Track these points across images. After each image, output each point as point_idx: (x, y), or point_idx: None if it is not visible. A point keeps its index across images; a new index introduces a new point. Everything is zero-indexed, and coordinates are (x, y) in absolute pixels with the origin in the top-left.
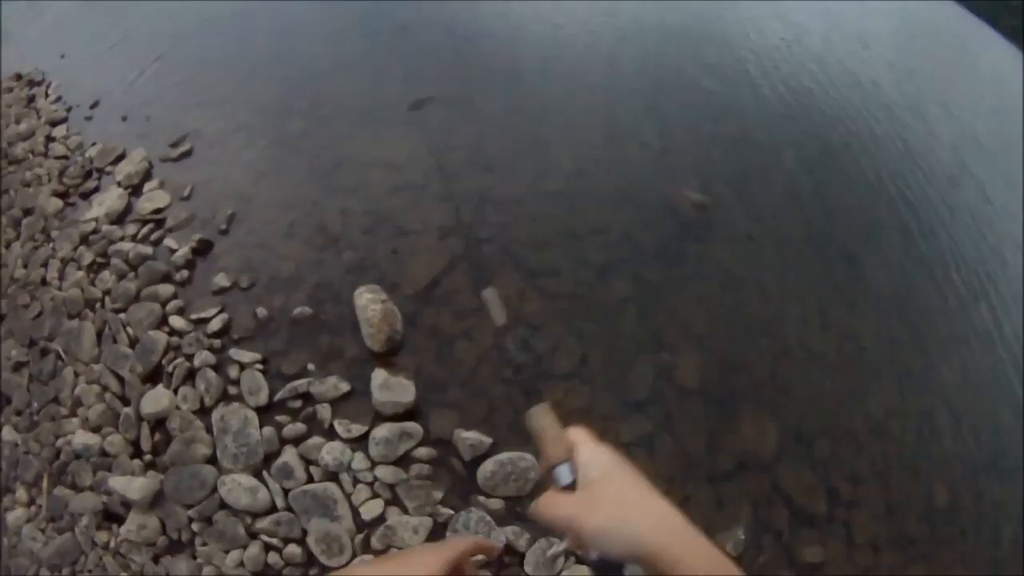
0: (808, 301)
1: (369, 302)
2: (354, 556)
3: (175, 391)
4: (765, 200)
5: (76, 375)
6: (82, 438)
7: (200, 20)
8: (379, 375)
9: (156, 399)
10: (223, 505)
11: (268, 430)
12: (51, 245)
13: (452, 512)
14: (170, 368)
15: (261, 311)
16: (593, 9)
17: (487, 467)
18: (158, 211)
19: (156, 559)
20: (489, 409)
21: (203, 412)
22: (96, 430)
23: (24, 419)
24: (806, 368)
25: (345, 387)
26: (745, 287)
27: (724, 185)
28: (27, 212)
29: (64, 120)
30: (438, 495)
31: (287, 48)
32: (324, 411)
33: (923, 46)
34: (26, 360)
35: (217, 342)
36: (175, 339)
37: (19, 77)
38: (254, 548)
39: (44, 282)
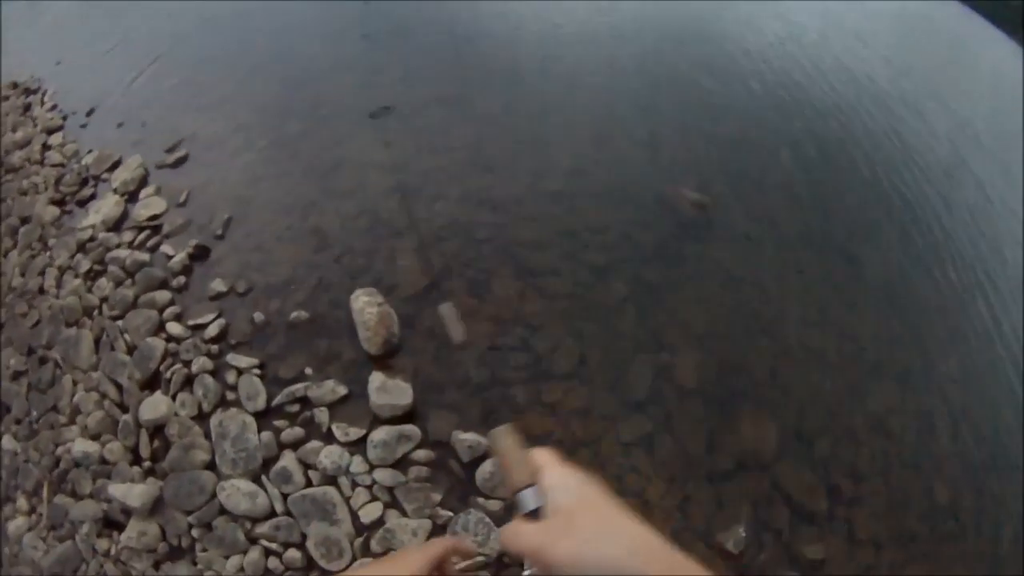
0: (807, 300)
1: (366, 305)
2: (354, 559)
3: (173, 397)
4: (763, 199)
5: (75, 383)
6: (81, 446)
7: (195, 23)
8: (376, 378)
9: (154, 406)
10: (223, 511)
11: (266, 435)
12: (48, 253)
13: (451, 514)
14: (168, 374)
15: (258, 316)
16: (591, 9)
17: (486, 468)
18: (154, 217)
19: (157, 566)
20: (487, 411)
21: (201, 418)
22: (95, 438)
23: (24, 428)
24: (805, 367)
25: (343, 390)
26: (744, 286)
27: (722, 184)
28: (24, 221)
29: (60, 128)
30: (437, 497)
31: (283, 50)
32: (322, 415)
33: (919, 41)
34: (25, 369)
35: (214, 347)
36: (173, 345)
37: (15, 86)
38: (254, 553)
39: (42, 290)
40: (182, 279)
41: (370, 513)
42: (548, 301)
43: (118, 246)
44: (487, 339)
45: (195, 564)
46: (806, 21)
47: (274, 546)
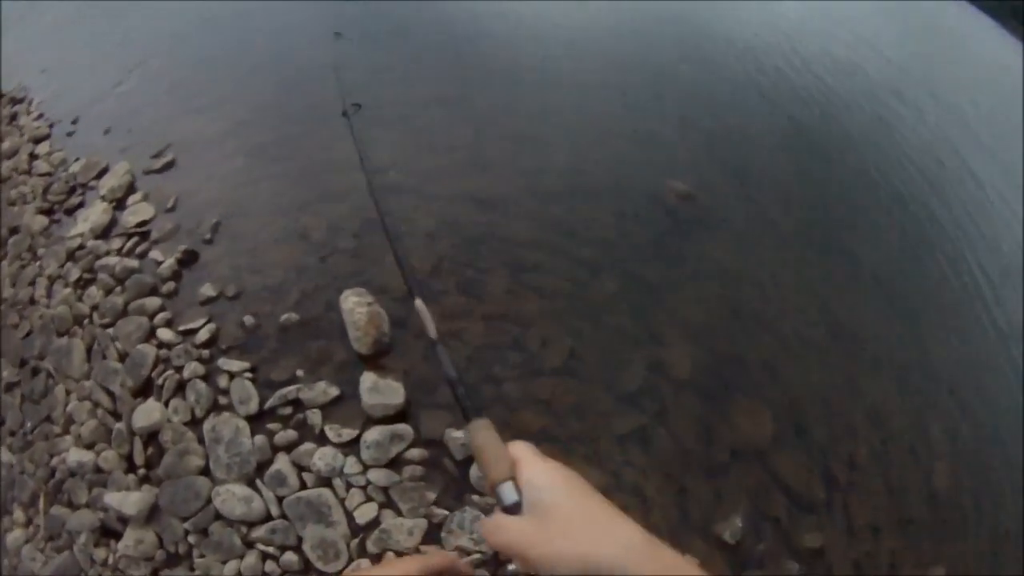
0: (801, 291)
1: (355, 305)
2: (350, 561)
3: (166, 404)
4: (756, 192)
5: (68, 392)
6: (76, 455)
7: (180, 29)
8: (368, 378)
9: (147, 413)
10: (218, 516)
11: (260, 438)
12: (38, 263)
13: (446, 512)
14: (160, 381)
15: (248, 319)
16: (582, 7)
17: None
18: (143, 224)
19: (155, 573)
20: (479, 408)
21: (194, 423)
22: (90, 447)
23: (18, 439)
24: (800, 356)
25: (335, 392)
26: (737, 279)
27: (715, 178)
28: (13, 231)
29: (47, 137)
30: (431, 496)
31: (269, 52)
32: (314, 417)
33: (909, 31)
34: (18, 380)
35: (206, 352)
36: (164, 352)
37: (1, 95)
38: (251, 557)
39: (32, 301)
40: (172, 285)
41: (365, 514)
42: (540, 298)
43: (107, 253)
44: (478, 337)
45: (193, 570)
46: (797, 15)
47: (271, 550)
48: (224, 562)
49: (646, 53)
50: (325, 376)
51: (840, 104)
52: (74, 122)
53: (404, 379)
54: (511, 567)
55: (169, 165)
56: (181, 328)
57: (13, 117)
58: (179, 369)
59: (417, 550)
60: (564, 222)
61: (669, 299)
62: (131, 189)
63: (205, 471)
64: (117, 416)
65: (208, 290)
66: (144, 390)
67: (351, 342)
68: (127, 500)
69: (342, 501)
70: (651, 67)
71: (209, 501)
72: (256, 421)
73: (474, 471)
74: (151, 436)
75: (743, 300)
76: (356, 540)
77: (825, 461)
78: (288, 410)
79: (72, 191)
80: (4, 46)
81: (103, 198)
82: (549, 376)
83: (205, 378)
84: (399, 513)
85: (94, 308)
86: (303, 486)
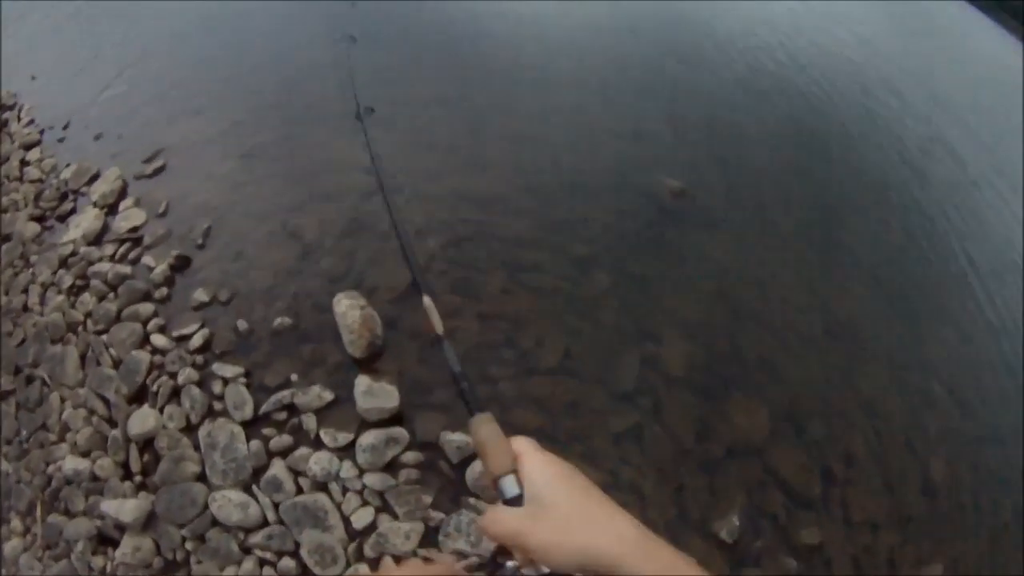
0: (797, 286)
1: (348, 308)
2: (348, 566)
3: (161, 410)
4: (747, 185)
5: (62, 400)
6: (72, 463)
7: (169, 32)
8: (362, 382)
9: (143, 419)
10: (215, 522)
11: (255, 444)
12: (31, 270)
13: (443, 515)
14: (155, 387)
15: (242, 324)
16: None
17: (476, 468)
18: (134, 229)
19: None
20: (474, 409)
21: (190, 429)
22: (85, 454)
23: (14, 448)
24: (794, 350)
25: (329, 396)
26: (729, 273)
27: (705, 172)
28: (5, 238)
29: (38, 143)
30: (428, 499)
31: (259, 55)
32: (309, 421)
33: (906, 29)
34: (12, 388)
35: (200, 358)
36: (158, 358)
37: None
38: (248, 564)
39: (26, 308)
40: (164, 290)
41: (362, 518)
42: (533, 296)
43: (100, 260)
44: (473, 336)
45: None
46: (795, 15)
47: (268, 555)
48: (222, 568)
49: (641, 51)
50: (319, 380)
51: (837, 102)
52: (65, 128)
53: (398, 382)
54: (510, 564)
55: (160, 170)
56: (175, 334)
57: (4, 124)
58: (173, 375)
59: (414, 554)
60: (559, 220)
61: (665, 297)
62: (123, 195)
63: (201, 477)
64: (112, 423)
65: (201, 295)
66: (139, 397)
67: (345, 345)
68: (124, 507)
69: (338, 506)
70: (646, 65)
71: (206, 507)
72: (251, 426)
73: (470, 473)
74: (147, 443)
75: (739, 297)
76: (353, 544)
77: (822, 457)
78: (283, 415)
79: (64, 197)
80: None
81: (95, 204)
82: (544, 375)
83: (199, 384)
84: (396, 517)
85: (87, 315)
86: (299, 491)
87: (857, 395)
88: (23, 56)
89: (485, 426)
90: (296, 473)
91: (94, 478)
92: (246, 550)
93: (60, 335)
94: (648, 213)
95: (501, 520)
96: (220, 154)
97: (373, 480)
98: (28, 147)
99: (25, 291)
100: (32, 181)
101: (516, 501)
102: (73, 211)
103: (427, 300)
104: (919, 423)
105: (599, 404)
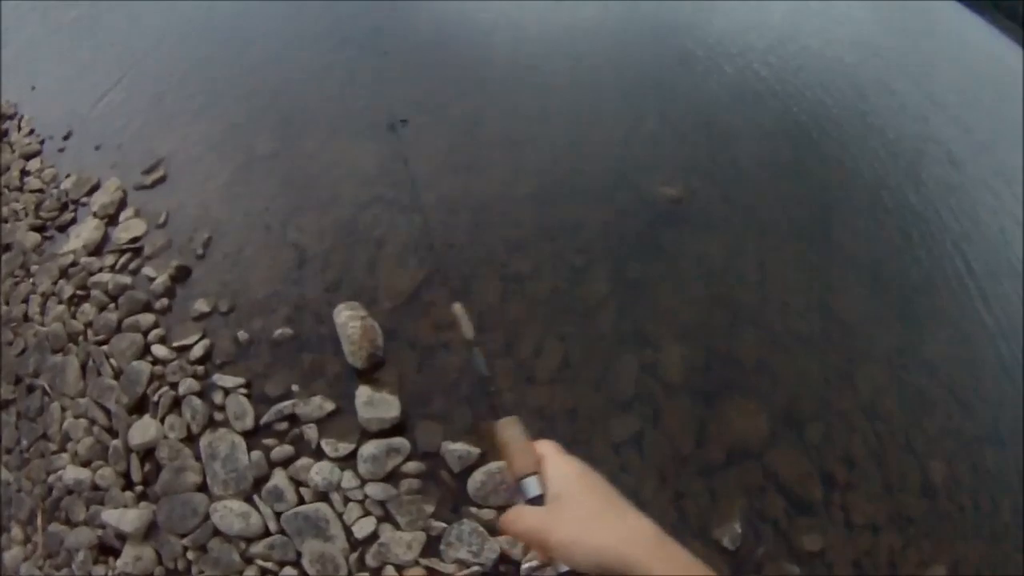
0: (790, 286)
1: (349, 319)
2: (350, 575)
3: (162, 420)
4: (741, 188)
5: (63, 410)
6: (73, 473)
7: (168, 41)
8: (363, 392)
9: (144, 429)
10: (216, 532)
11: (256, 454)
12: (31, 280)
13: (444, 525)
14: (155, 398)
15: (242, 335)
16: (561, 8)
17: (477, 477)
18: (135, 240)
19: None
20: (475, 419)
21: (191, 440)
22: (86, 464)
23: (15, 457)
24: (792, 353)
25: (330, 406)
26: (725, 277)
27: (699, 176)
28: (6, 248)
29: (38, 153)
30: (429, 509)
31: (255, 62)
32: (311, 431)
33: (900, 30)
34: (13, 397)
35: (200, 368)
36: (159, 368)
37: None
38: (250, 573)
39: (27, 318)
40: (165, 301)
41: (363, 528)
42: (530, 303)
43: (100, 270)
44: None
45: None
46: (790, 16)
47: (269, 565)
48: None
49: (633, 54)
50: (320, 390)
51: (832, 103)
52: (65, 138)
53: (399, 392)
54: (525, 565)
55: (160, 180)
56: (175, 344)
57: (4, 134)
58: (174, 385)
59: (416, 563)
60: (555, 227)
61: (662, 301)
62: (123, 205)
63: (202, 487)
64: (113, 433)
65: (201, 306)
66: (140, 407)
67: (345, 356)
68: (125, 517)
69: (340, 515)
70: (641, 69)
71: (207, 517)
72: (252, 437)
73: (471, 483)
74: (148, 453)
75: (736, 300)
76: (355, 554)
77: (822, 460)
78: (284, 425)
79: (64, 207)
80: None
81: (95, 214)
82: (543, 383)
83: (200, 394)
84: (397, 527)
85: (88, 325)
86: (301, 501)
87: (856, 397)
88: (22, 65)
89: (510, 428)
90: (297, 483)
91: (95, 488)
92: (248, 560)
93: (61, 345)
94: (644, 218)
95: (524, 518)
96: (219, 163)
97: (374, 490)
98: (28, 157)
99: (26, 301)
100: (33, 191)
101: (538, 501)
102: (74, 221)
103: (457, 306)
104: (918, 424)
105: (598, 411)
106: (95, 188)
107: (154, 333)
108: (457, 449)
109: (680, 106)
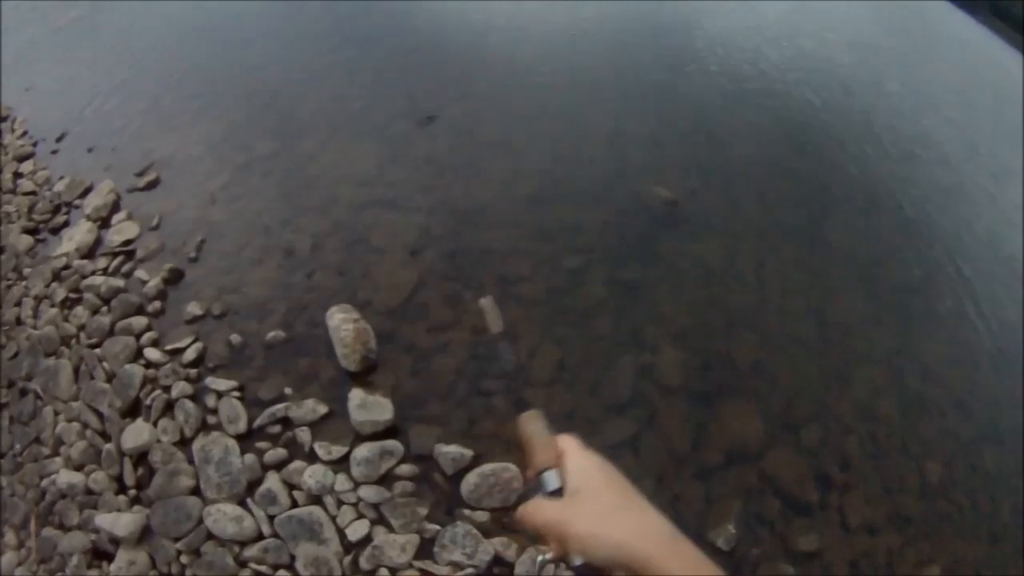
0: (786, 288)
1: (342, 322)
2: None
3: (155, 424)
4: (736, 190)
5: (56, 414)
6: (66, 477)
7: (163, 44)
8: (356, 395)
9: (137, 433)
10: (210, 536)
11: (249, 457)
12: (24, 283)
13: (438, 528)
14: (148, 401)
15: (235, 338)
16: (554, 10)
17: (470, 480)
18: (128, 242)
19: None
20: (469, 422)
21: (184, 443)
22: (79, 468)
23: (8, 461)
24: (789, 355)
25: (323, 409)
26: (721, 279)
27: (693, 178)
28: None
29: (31, 155)
30: (423, 511)
31: (251, 65)
32: (304, 435)
33: (885, 24)
34: (6, 401)
35: (193, 372)
36: (151, 371)
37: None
38: None
39: (19, 321)
40: (158, 304)
41: (357, 531)
42: (524, 307)
43: (93, 273)
44: (465, 350)
45: None
46: (786, 17)
47: (263, 569)
48: None
49: (625, 56)
50: (313, 393)
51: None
52: (59, 140)
53: (392, 395)
54: (539, 558)
55: (153, 183)
56: (168, 347)
57: None
58: (167, 389)
59: (410, 565)
60: (549, 230)
61: (657, 304)
62: (116, 208)
63: (196, 491)
64: (106, 437)
65: (194, 308)
66: (132, 410)
67: (338, 359)
68: (118, 521)
69: (333, 518)
70: (635, 71)
71: (201, 521)
72: (245, 440)
73: (465, 485)
74: (141, 457)
75: (732, 302)
76: (349, 557)
77: (819, 462)
78: (277, 428)
79: (57, 210)
80: None
81: (88, 217)
82: (539, 385)
83: (193, 397)
84: (391, 529)
85: (81, 328)
86: (294, 504)
87: (853, 398)
88: (16, 67)
89: (533, 422)
90: (291, 486)
91: (88, 492)
92: (242, 563)
93: (53, 348)
94: (641, 220)
95: (543, 510)
96: (215, 165)
97: (368, 493)
98: (21, 159)
99: (18, 304)
100: (25, 193)
101: (557, 494)
102: (66, 224)
103: (486, 300)
104: (915, 425)
105: (593, 414)
106: (88, 190)
107: (147, 336)
108: (450, 451)
109: (675, 108)
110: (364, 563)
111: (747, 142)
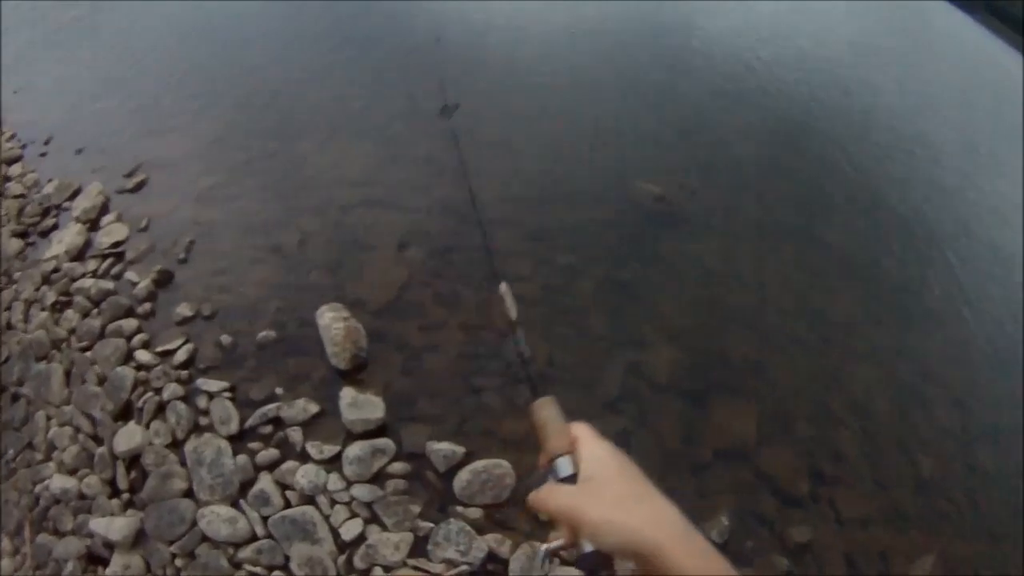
0: (779, 285)
1: (332, 321)
2: None
3: (147, 426)
4: (730, 189)
5: (48, 418)
6: (59, 482)
7: (151, 45)
8: (347, 394)
9: (129, 436)
10: (204, 538)
11: (242, 458)
12: (14, 287)
13: (432, 525)
14: (140, 404)
15: (226, 338)
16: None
17: (463, 477)
18: (117, 244)
19: None
20: (460, 419)
21: (176, 445)
22: (72, 472)
23: (1, 467)
24: (781, 351)
25: (314, 409)
26: (714, 277)
27: (688, 177)
28: None
29: (19, 158)
30: (416, 509)
31: (251, 65)
32: (295, 434)
33: (882, 24)
34: None
35: (184, 373)
36: (143, 374)
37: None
38: None
39: (10, 326)
40: (148, 306)
41: (351, 530)
42: (524, 307)
43: (83, 276)
44: (458, 346)
45: None
46: (780, 17)
47: (258, 570)
48: None
49: (625, 56)
50: (304, 393)
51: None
52: (47, 142)
53: (383, 393)
54: (544, 547)
55: (142, 185)
56: (159, 349)
57: None
58: (158, 391)
59: (404, 564)
60: (542, 229)
61: (649, 301)
62: (104, 210)
63: (189, 493)
64: (99, 440)
65: (184, 310)
66: (124, 413)
67: (329, 358)
68: (112, 526)
69: (327, 518)
70: (630, 70)
71: (194, 523)
72: (237, 441)
73: (457, 482)
74: (133, 460)
75: (725, 299)
76: (343, 557)
77: (811, 456)
78: (269, 428)
79: (46, 213)
80: None
81: (77, 219)
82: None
83: (185, 399)
84: (384, 528)
85: (71, 331)
86: (287, 504)
87: (846, 394)
88: (16, 67)
89: (547, 408)
90: (284, 487)
91: (82, 496)
92: (236, 565)
93: (44, 352)
94: (632, 219)
95: (556, 496)
96: (202, 168)
97: (361, 492)
98: (10, 162)
99: (8, 308)
100: (14, 196)
101: (569, 480)
102: (55, 227)
103: (503, 285)
104: (907, 420)
105: (586, 410)
106: (77, 193)
107: (137, 338)
108: (442, 449)
109: (670, 107)
110: (358, 562)
111: (746, 142)
